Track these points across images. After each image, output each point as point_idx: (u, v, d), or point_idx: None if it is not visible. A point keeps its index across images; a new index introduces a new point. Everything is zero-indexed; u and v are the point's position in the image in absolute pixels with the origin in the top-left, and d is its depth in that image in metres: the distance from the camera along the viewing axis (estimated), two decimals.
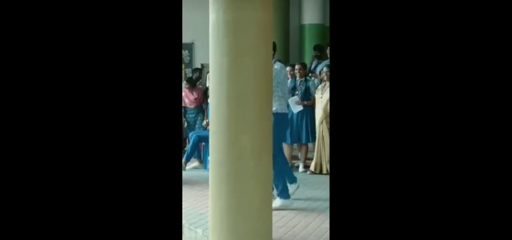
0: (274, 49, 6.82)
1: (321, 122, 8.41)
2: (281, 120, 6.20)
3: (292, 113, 8.38)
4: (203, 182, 5.25)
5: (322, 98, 8.47)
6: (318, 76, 9.15)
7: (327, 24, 11.85)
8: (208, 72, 6.43)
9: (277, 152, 6.24)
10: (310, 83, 8.80)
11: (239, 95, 4.04)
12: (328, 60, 10.08)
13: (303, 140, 8.74)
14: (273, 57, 6.79)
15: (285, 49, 11.65)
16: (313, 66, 10.10)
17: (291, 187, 6.46)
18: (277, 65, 6.18)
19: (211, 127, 4.15)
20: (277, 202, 6.16)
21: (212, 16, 4.07)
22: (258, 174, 4.12)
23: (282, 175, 6.25)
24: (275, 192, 6.43)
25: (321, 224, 5.51)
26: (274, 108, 6.16)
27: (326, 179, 7.01)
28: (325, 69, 8.68)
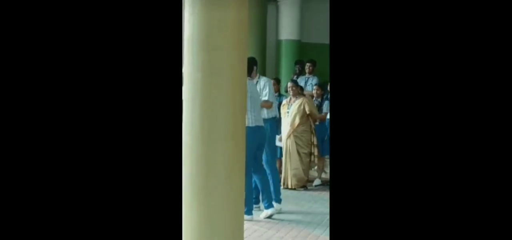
0: (256, 64, 6.89)
1: (288, 137, 8.37)
2: (250, 134, 6.23)
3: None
4: None
5: (288, 113, 8.40)
6: (311, 93, 9.28)
7: (304, 40, 11.96)
8: None
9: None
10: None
11: (213, 110, 4.11)
12: (307, 76, 10.21)
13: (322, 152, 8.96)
14: (256, 72, 6.86)
15: (262, 64, 11.72)
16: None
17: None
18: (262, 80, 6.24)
19: (184, 141, 4.21)
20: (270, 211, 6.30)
21: (187, 33, 4.13)
22: (230, 188, 4.18)
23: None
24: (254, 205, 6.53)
25: (293, 239, 5.58)
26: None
27: (290, 193, 7.04)
28: (289, 84, 8.67)
